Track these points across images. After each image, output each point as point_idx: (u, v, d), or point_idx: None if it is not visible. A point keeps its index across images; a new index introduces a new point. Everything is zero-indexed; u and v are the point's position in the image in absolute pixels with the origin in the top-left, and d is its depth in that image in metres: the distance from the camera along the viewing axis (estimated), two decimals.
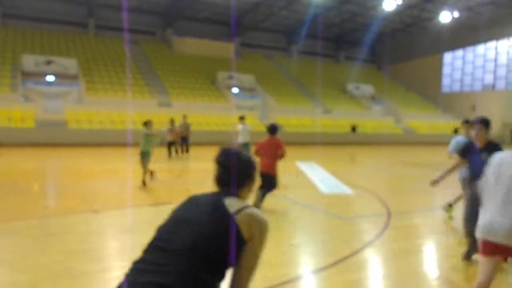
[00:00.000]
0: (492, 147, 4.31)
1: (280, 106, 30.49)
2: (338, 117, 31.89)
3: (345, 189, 9.36)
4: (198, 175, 11.55)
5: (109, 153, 17.64)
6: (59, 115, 22.75)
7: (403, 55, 43.61)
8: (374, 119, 34.02)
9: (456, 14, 33.41)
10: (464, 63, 39.56)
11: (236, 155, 1.89)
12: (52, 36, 30.72)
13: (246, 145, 11.82)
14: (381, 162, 17.56)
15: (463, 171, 6.10)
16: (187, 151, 16.18)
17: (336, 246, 5.08)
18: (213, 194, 1.84)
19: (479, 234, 2.85)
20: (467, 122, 6.23)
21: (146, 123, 9.47)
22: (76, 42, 30.97)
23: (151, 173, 9.53)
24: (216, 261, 1.63)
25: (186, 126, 16.10)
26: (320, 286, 4.06)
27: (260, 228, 1.72)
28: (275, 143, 6.80)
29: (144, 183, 9.12)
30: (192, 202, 1.82)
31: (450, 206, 6.70)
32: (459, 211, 5.19)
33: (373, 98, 37.73)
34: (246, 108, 29.67)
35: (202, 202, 1.79)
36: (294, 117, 29.25)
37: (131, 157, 12.93)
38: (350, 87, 37.89)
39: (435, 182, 4.69)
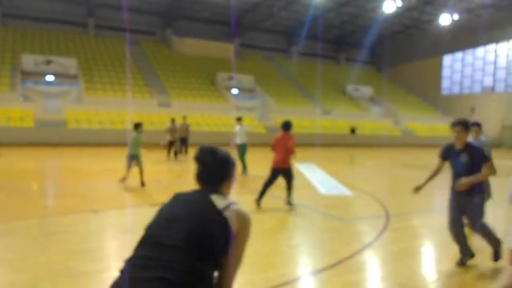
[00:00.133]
0: (472, 149, 4.32)
1: (280, 107, 30.51)
2: (337, 119, 31.92)
3: (344, 191, 9.38)
4: None
5: (108, 153, 17.64)
6: (58, 114, 22.74)
7: (403, 57, 43.68)
8: (373, 121, 34.06)
9: (456, 16, 33.47)
10: (463, 65, 39.64)
11: (214, 153, 1.95)
12: (51, 36, 30.71)
13: (243, 146, 11.81)
14: (380, 164, 17.58)
15: None
16: (186, 152, 16.15)
17: (335, 248, 5.09)
18: (198, 192, 1.90)
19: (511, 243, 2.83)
20: (476, 125, 6.16)
21: (138, 126, 9.28)
22: (75, 42, 30.97)
23: (124, 178, 9.08)
24: (210, 253, 1.70)
25: (185, 127, 16.07)
26: None
27: (246, 223, 1.82)
28: (286, 138, 7.17)
29: (142, 183, 9.10)
30: (180, 200, 1.88)
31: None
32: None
33: (372, 100, 37.77)
34: (245, 109, 29.68)
35: (190, 200, 1.85)
36: (293, 118, 28.94)
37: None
38: (350, 88, 37.93)
39: (418, 189, 4.64)
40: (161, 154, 15.95)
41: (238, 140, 11.85)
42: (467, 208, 4.38)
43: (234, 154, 11.62)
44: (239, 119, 12.27)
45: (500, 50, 36.32)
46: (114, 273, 3.91)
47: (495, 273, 4.35)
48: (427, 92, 42.15)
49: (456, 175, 4.42)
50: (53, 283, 3.76)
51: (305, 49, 41.26)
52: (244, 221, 1.81)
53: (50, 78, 25.14)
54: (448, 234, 4.55)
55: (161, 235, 1.71)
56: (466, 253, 4.44)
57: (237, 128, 12.06)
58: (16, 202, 7.37)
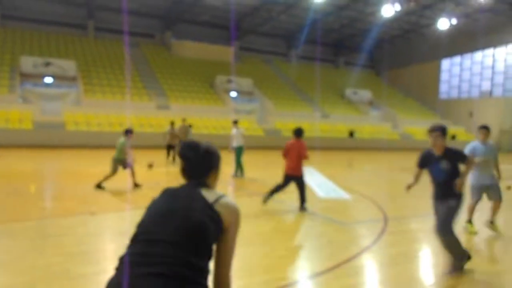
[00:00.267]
0: (451, 154, 4.25)
1: (279, 110, 30.54)
2: (336, 122, 31.96)
3: (343, 194, 9.38)
4: None
5: (107, 156, 17.43)
6: (57, 117, 22.72)
7: (402, 61, 43.82)
8: (372, 124, 34.12)
9: (454, 21, 33.62)
10: (461, 69, 39.77)
11: (196, 147, 1.95)
12: (51, 38, 30.72)
13: (240, 149, 11.90)
14: (379, 167, 17.60)
15: (471, 178, 6.05)
16: None
17: (333, 251, 5.10)
18: (187, 186, 1.90)
19: None
20: (484, 128, 5.97)
21: (127, 132, 9.15)
22: (75, 44, 30.99)
23: (99, 184, 8.92)
24: (204, 247, 1.72)
25: (185, 130, 16.02)
26: None
27: (236, 216, 1.84)
28: (299, 145, 7.21)
29: (136, 185, 9.15)
30: (170, 195, 1.87)
31: (491, 223, 6.20)
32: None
33: (371, 104, 37.86)
34: (244, 112, 29.70)
35: (180, 194, 1.85)
36: (292, 121, 29.23)
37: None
38: (348, 92, 38.01)
39: (409, 187, 4.65)
40: (159, 158, 15.92)
41: (235, 143, 11.96)
42: (440, 210, 4.31)
43: (232, 157, 11.68)
44: (235, 122, 12.41)
45: (498, 55, 36.45)
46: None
47: (492, 277, 4.35)
48: (426, 96, 42.26)
49: (437, 183, 4.32)
50: (50, 285, 3.75)
51: (304, 53, 41.37)
52: (234, 213, 1.83)
53: (49, 80, 25.15)
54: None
55: (154, 231, 1.72)
56: (463, 256, 4.39)
57: (234, 131, 12.19)
58: (14, 204, 7.35)
